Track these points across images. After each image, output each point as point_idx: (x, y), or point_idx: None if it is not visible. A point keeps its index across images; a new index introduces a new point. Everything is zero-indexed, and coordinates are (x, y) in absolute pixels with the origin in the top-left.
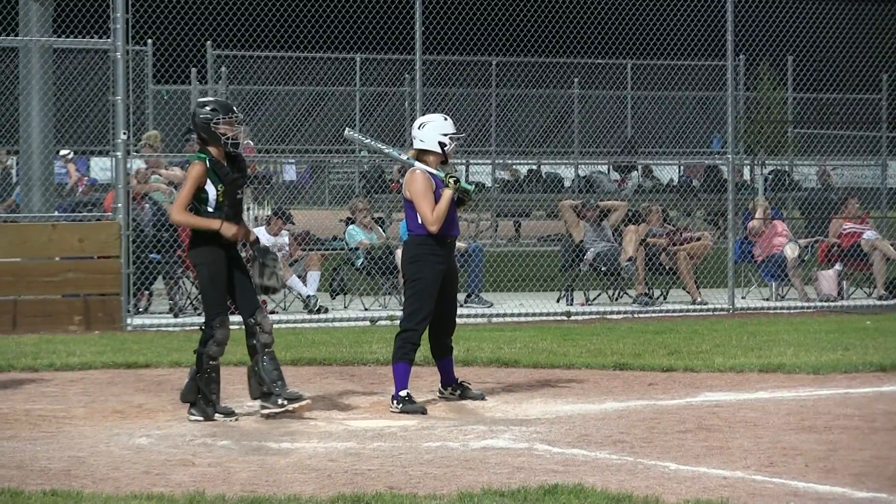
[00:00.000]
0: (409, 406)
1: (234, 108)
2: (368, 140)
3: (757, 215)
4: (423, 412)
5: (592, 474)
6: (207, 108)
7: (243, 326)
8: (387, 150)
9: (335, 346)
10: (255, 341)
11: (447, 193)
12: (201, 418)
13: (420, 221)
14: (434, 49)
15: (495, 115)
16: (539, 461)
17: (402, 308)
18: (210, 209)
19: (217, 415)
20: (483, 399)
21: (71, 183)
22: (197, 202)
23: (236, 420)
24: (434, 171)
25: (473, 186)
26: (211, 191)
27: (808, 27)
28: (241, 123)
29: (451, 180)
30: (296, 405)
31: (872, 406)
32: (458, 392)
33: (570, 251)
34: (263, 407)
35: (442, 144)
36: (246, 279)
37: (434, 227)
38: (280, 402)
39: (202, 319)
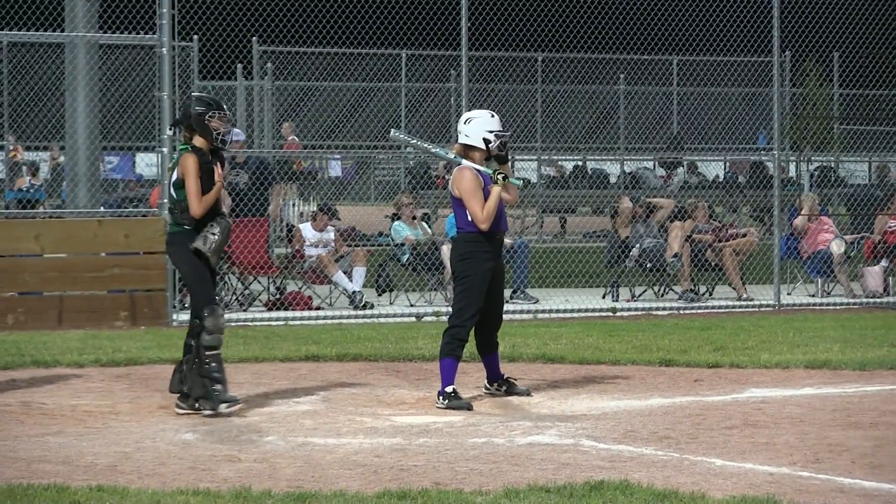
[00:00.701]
0: (455, 402)
1: (224, 107)
2: (414, 140)
3: (804, 212)
4: (469, 408)
5: (638, 470)
6: (203, 102)
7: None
8: (434, 150)
9: (381, 342)
10: (193, 342)
11: (496, 190)
12: (208, 412)
13: (470, 219)
14: (480, 45)
15: (541, 111)
16: (585, 457)
17: (447, 304)
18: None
19: (223, 406)
20: (529, 395)
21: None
22: (179, 192)
23: (242, 408)
24: (481, 168)
25: (522, 182)
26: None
27: (854, 23)
28: (231, 123)
29: (500, 177)
30: (233, 408)
31: None
32: (504, 388)
33: (616, 247)
34: (178, 406)
35: (486, 141)
36: (213, 278)
37: (484, 225)
38: (196, 405)
39: (248, 315)
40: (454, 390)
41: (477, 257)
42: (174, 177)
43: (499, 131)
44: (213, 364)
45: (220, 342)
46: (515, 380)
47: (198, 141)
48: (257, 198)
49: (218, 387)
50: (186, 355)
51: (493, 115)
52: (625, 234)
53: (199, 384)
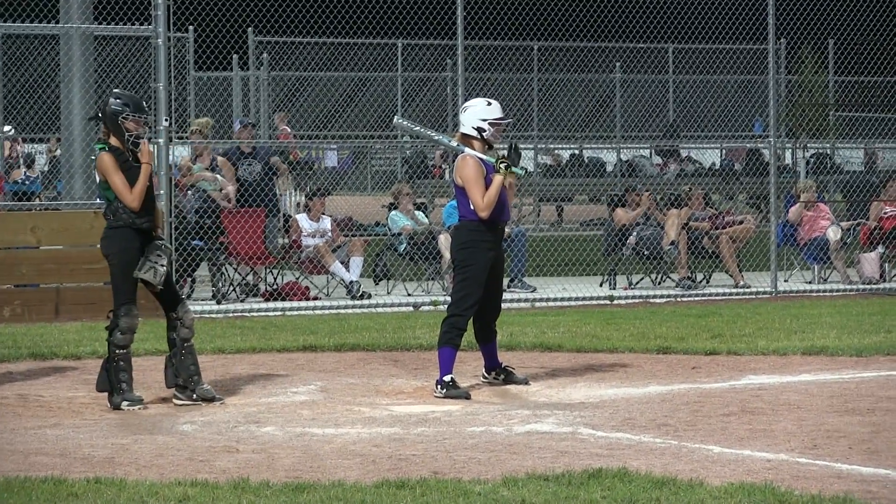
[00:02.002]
0: (453, 391)
1: (146, 109)
2: (418, 127)
3: (801, 198)
4: (467, 397)
5: (636, 458)
6: (119, 100)
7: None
8: (437, 137)
9: (379, 332)
10: (175, 335)
11: (497, 179)
12: (110, 406)
13: (472, 207)
14: (476, 34)
15: (537, 99)
16: (583, 445)
17: (444, 293)
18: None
19: (125, 403)
20: (527, 384)
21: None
22: (108, 192)
23: (145, 409)
24: (484, 157)
25: (524, 171)
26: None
27: (849, 10)
28: (147, 125)
29: (502, 165)
30: (134, 407)
31: None
32: (502, 376)
33: (613, 235)
34: (176, 397)
35: (480, 129)
36: (167, 274)
37: (485, 213)
38: (194, 396)
39: (245, 306)
40: (452, 379)
41: (478, 246)
42: (98, 178)
43: (494, 119)
44: (121, 363)
45: (131, 342)
46: (513, 368)
47: (114, 140)
48: (269, 189)
49: (124, 385)
50: (173, 349)
51: (489, 104)
52: (623, 221)
53: (105, 379)
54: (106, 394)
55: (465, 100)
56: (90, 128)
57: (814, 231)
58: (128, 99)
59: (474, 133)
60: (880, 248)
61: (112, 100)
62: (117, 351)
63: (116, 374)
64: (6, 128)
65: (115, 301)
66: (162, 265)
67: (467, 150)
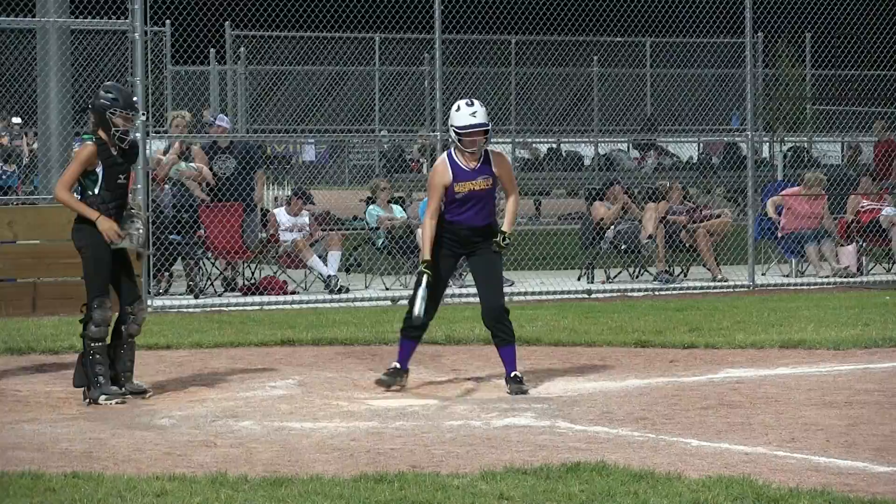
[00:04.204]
0: (383, 377)
1: (137, 106)
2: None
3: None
4: (387, 387)
5: (614, 451)
6: (110, 94)
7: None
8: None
9: (357, 326)
10: (123, 327)
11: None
12: (87, 402)
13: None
14: (453, 28)
15: (515, 93)
16: (561, 439)
17: None
18: (96, 190)
19: (103, 397)
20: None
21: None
22: (86, 182)
23: (123, 403)
24: (460, 162)
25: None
26: (100, 172)
27: (825, 3)
28: (138, 121)
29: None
30: (113, 401)
31: (892, 381)
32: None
33: (591, 229)
34: (85, 395)
35: (458, 135)
36: (129, 267)
37: (425, 220)
38: (123, 390)
39: (223, 300)
40: (394, 367)
41: (439, 243)
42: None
43: (458, 127)
44: (98, 356)
45: (106, 334)
46: (521, 377)
47: (102, 133)
48: (246, 184)
49: (101, 378)
50: (115, 340)
51: (459, 109)
52: (602, 216)
53: (82, 374)
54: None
55: (443, 94)
56: (67, 122)
57: (794, 225)
58: (118, 93)
59: (455, 138)
60: (858, 242)
61: (102, 93)
62: (92, 344)
63: (93, 367)
64: (15, 119)
65: (88, 294)
66: (137, 229)
67: (448, 152)
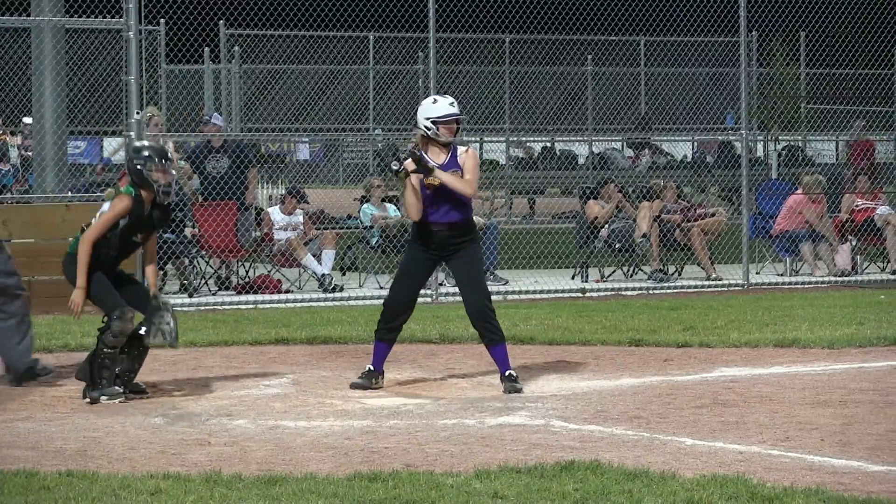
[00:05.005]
0: (357, 379)
1: (169, 155)
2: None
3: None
4: (364, 386)
5: (609, 450)
6: (144, 154)
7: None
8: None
9: (351, 325)
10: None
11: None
12: (87, 400)
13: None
14: (447, 27)
15: (509, 92)
16: (555, 438)
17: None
18: (115, 238)
19: (104, 397)
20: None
21: None
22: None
23: (122, 401)
24: (429, 158)
25: (400, 169)
26: (121, 223)
27: (820, 2)
28: (174, 170)
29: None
30: (113, 401)
31: (887, 380)
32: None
33: (585, 228)
34: (86, 394)
35: (427, 129)
36: (138, 286)
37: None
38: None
39: (217, 299)
40: (368, 369)
41: (412, 243)
42: (104, 206)
43: (438, 117)
44: (107, 361)
45: (120, 344)
46: (515, 376)
47: (144, 192)
48: (240, 182)
49: (105, 381)
50: (132, 341)
51: (435, 101)
52: (596, 214)
53: (87, 370)
54: (81, 383)
55: (437, 92)
56: (62, 121)
57: (789, 224)
58: (149, 150)
59: (424, 132)
60: (852, 241)
61: (133, 154)
62: (105, 350)
63: (100, 370)
64: (27, 119)
65: (106, 310)
66: (167, 323)
67: (438, 173)
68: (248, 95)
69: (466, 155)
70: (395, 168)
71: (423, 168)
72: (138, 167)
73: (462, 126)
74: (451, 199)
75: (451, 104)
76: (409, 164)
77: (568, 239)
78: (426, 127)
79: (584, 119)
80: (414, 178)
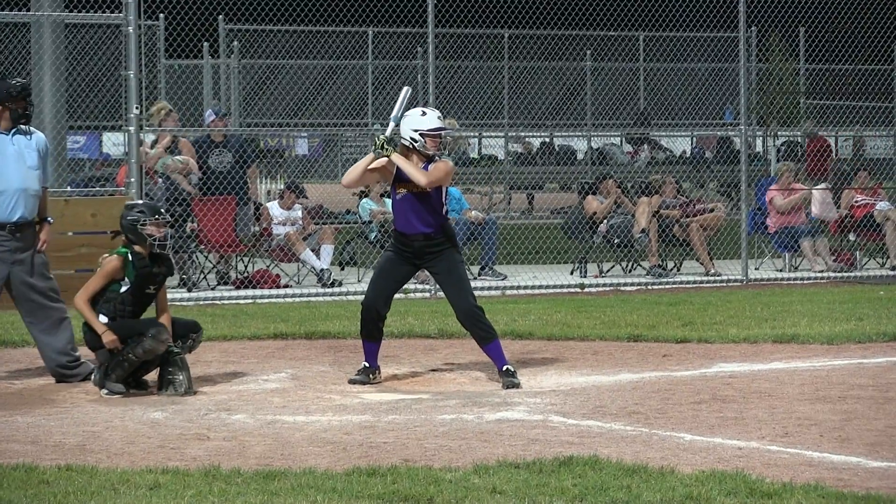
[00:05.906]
0: (353, 376)
1: (162, 210)
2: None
3: (780, 182)
4: (362, 383)
5: (607, 446)
6: (136, 210)
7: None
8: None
9: (349, 320)
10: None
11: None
12: (92, 381)
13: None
14: (446, 22)
15: (508, 87)
16: (554, 433)
17: (414, 281)
18: (120, 290)
19: (105, 391)
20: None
21: None
22: (111, 283)
23: (123, 395)
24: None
25: (389, 145)
26: (129, 279)
27: None
28: (168, 225)
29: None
30: (114, 395)
31: (886, 376)
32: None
33: (578, 220)
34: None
35: (414, 140)
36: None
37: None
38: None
39: (216, 294)
40: (364, 366)
41: (390, 248)
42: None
43: (427, 130)
44: (125, 364)
45: (144, 360)
46: (514, 371)
47: (138, 247)
48: (241, 177)
49: (114, 377)
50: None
51: (424, 113)
52: (594, 209)
53: (107, 356)
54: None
55: (436, 88)
56: (61, 115)
57: (786, 219)
58: (143, 206)
59: (409, 143)
60: (851, 236)
61: (126, 212)
62: (129, 356)
63: (115, 366)
64: None
65: (142, 332)
66: (178, 377)
67: (394, 157)
68: (247, 90)
69: (439, 161)
70: (381, 140)
71: (384, 148)
72: (132, 222)
73: (458, 127)
74: (420, 209)
75: (439, 118)
76: (383, 138)
77: (562, 234)
78: (413, 139)
79: (583, 114)
80: (377, 162)
